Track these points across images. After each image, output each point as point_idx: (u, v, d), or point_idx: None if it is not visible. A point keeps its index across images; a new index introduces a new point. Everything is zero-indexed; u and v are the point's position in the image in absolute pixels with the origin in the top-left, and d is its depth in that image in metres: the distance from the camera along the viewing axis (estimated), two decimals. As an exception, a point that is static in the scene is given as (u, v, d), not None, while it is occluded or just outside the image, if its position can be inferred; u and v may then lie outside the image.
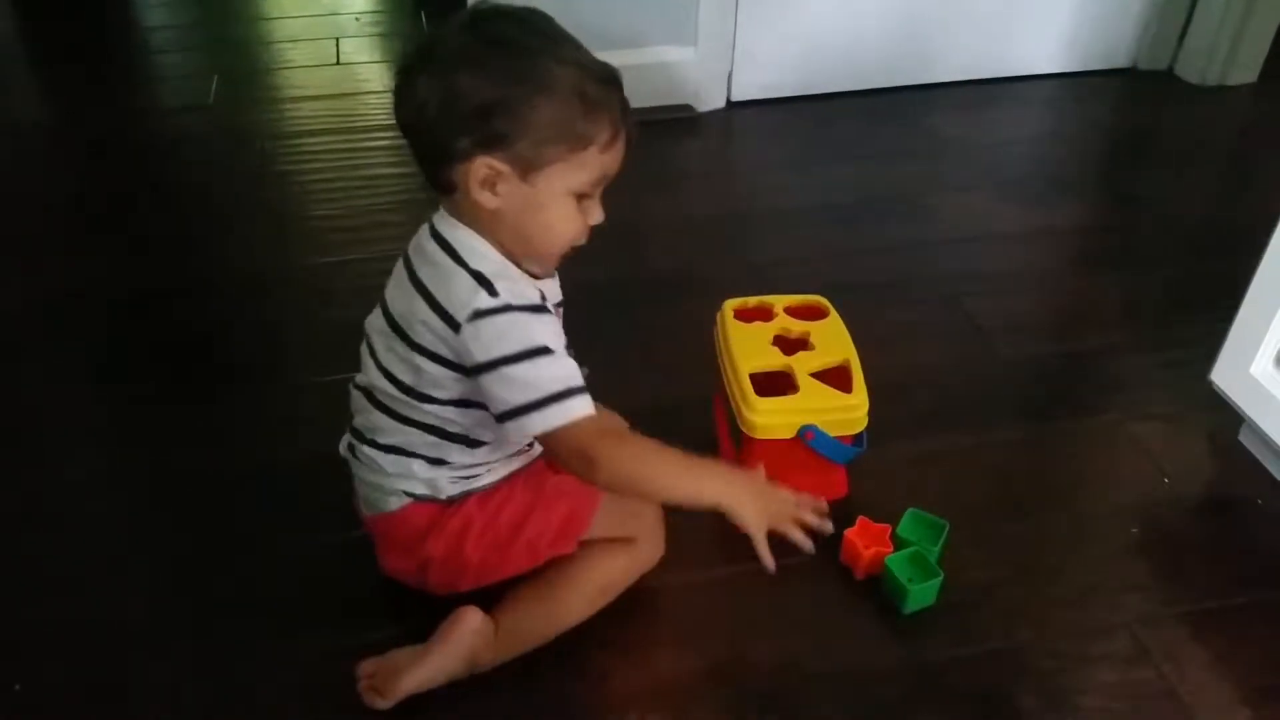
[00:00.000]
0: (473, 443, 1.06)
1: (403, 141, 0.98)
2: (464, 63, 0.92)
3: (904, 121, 2.26)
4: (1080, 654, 1.13)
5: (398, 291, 1.03)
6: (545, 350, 0.95)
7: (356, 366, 1.09)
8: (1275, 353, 1.27)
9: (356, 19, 2.74)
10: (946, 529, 1.21)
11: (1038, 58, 2.40)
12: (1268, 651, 1.14)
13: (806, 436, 1.21)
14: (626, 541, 1.13)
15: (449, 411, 1.03)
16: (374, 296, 1.05)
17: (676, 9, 2.14)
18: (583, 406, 0.96)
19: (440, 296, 0.97)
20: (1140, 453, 1.39)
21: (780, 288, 1.38)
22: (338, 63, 2.51)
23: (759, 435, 1.21)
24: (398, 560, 1.12)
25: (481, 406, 1.01)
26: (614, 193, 1.03)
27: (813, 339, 1.29)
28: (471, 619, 1.06)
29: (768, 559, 1.00)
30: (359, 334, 1.08)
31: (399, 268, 1.05)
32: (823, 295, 1.35)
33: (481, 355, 0.95)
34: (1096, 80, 2.43)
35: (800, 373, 1.24)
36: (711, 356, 1.33)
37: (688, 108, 2.23)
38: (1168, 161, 2.16)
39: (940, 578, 1.15)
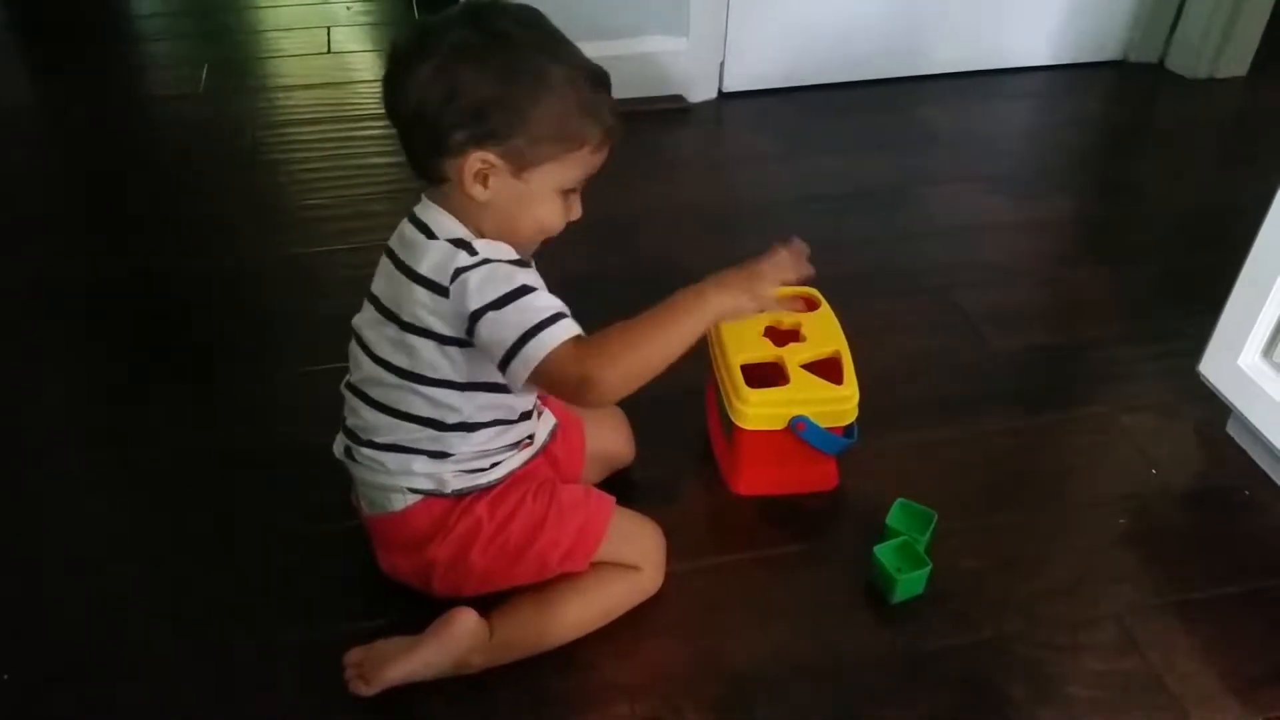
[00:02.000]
0: (471, 427, 1.05)
1: (394, 131, 0.99)
2: (464, 57, 0.93)
3: (895, 113, 2.26)
4: (1068, 644, 1.14)
5: (384, 282, 1.04)
6: (527, 289, 0.96)
7: (347, 357, 1.09)
8: (1263, 344, 1.28)
9: (348, 7, 2.73)
10: (935, 519, 1.21)
11: (1028, 50, 2.40)
12: (1254, 641, 1.14)
13: (798, 428, 1.21)
14: (631, 568, 1.12)
15: (445, 394, 1.02)
16: (365, 287, 1.05)
17: (668, -1, 2.14)
18: (567, 328, 0.94)
19: (423, 269, 0.98)
20: (1128, 444, 1.40)
21: (771, 279, 1.38)
22: (329, 51, 2.50)
23: (750, 426, 1.22)
24: (400, 561, 1.11)
25: (480, 388, 1.02)
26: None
27: (804, 330, 1.29)
28: (467, 620, 1.05)
29: (795, 306, 1.15)
30: (349, 324, 1.08)
31: (383, 261, 1.05)
32: (814, 287, 1.35)
33: (472, 305, 0.95)
34: (1087, 72, 2.43)
35: (791, 364, 1.24)
36: (703, 347, 1.33)
37: (679, 98, 2.23)
38: (1158, 154, 2.16)
39: (929, 567, 1.16)
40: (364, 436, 1.07)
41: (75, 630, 1.14)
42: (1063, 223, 1.93)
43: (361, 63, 2.45)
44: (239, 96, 2.30)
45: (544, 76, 0.94)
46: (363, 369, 1.06)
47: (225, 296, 1.68)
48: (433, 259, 0.97)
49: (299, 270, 1.72)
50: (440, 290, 0.97)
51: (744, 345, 1.26)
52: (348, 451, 1.11)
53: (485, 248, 0.98)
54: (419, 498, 1.06)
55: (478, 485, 1.08)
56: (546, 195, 0.99)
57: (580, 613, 1.10)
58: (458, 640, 1.05)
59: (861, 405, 1.24)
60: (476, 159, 0.95)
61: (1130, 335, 1.59)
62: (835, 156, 2.10)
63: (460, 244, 0.97)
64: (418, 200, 1.03)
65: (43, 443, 1.39)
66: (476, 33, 0.94)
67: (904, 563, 1.17)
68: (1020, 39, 2.38)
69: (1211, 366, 1.35)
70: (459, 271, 0.96)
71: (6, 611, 1.16)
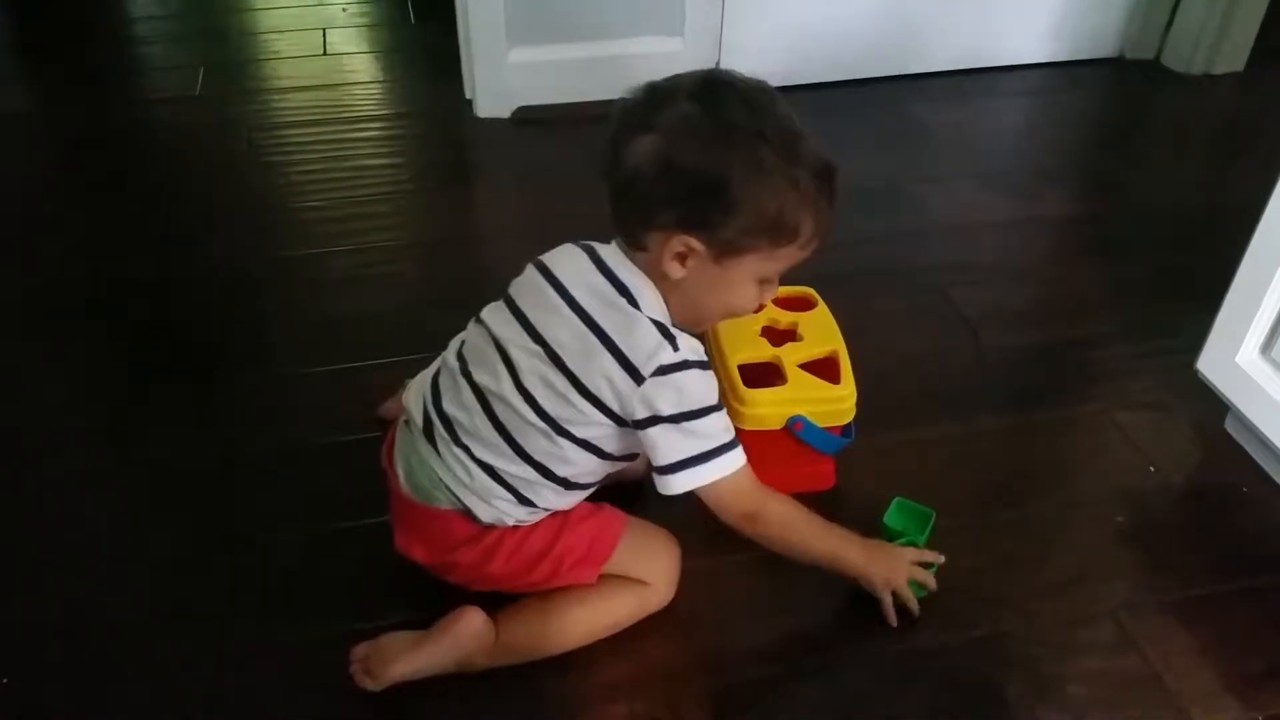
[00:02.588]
0: (571, 485, 1.04)
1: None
2: (686, 137, 0.90)
3: (891, 111, 2.26)
4: (1066, 642, 1.14)
5: (551, 318, 1.00)
6: (714, 408, 0.99)
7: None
8: (1260, 341, 1.28)
9: (344, 9, 2.72)
10: (933, 518, 1.21)
11: (1024, 47, 2.40)
12: (1252, 638, 1.14)
13: (795, 427, 1.21)
14: (641, 583, 1.11)
15: (573, 451, 1.01)
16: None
17: (663, -1, 2.14)
18: (742, 455, 1.01)
19: (625, 346, 0.96)
20: (1126, 441, 1.40)
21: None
22: (325, 53, 2.50)
23: (748, 426, 1.22)
24: (420, 549, 1.09)
25: (601, 454, 1.02)
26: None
27: (801, 330, 1.29)
28: (473, 621, 1.05)
29: (892, 618, 1.11)
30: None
31: (545, 288, 1.01)
32: (811, 286, 1.36)
33: (665, 410, 0.96)
34: (1083, 70, 2.43)
35: (788, 364, 1.24)
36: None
37: (676, 98, 2.23)
38: (1154, 151, 2.17)
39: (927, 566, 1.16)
40: (462, 438, 1.02)
41: (75, 630, 1.14)
42: (1059, 220, 1.93)
43: (357, 64, 2.45)
44: (235, 99, 2.29)
45: (763, 169, 0.91)
46: (500, 383, 1.00)
47: (223, 297, 1.68)
48: (637, 339, 0.96)
49: (296, 271, 1.71)
50: (636, 376, 0.95)
51: (741, 345, 1.26)
52: (428, 429, 1.05)
53: (685, 345, 0.97)
54: (464, 512, 1.05)
55: (525, 523, 1.07)
56: (744, 284, 0.98)
57: (586, 623, 1.09)
58: (464, 640, 1.05)
59: (859, 404, 1.24)
60: (680, 241, 0.93)
61: (1127, 333, 1.59)
62: (831, 155, 2.09)
63: (665, 334, 0.96)
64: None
65: (43, 443, 1.39)
66: (703, 112, 0.91)
67: (902, 561, 1.17)
68: (1016, 37, 2.38)
69: (1209, 364, 1.35)
70: (663, 369, 0.95)
71: (6, 612, 1.16)
